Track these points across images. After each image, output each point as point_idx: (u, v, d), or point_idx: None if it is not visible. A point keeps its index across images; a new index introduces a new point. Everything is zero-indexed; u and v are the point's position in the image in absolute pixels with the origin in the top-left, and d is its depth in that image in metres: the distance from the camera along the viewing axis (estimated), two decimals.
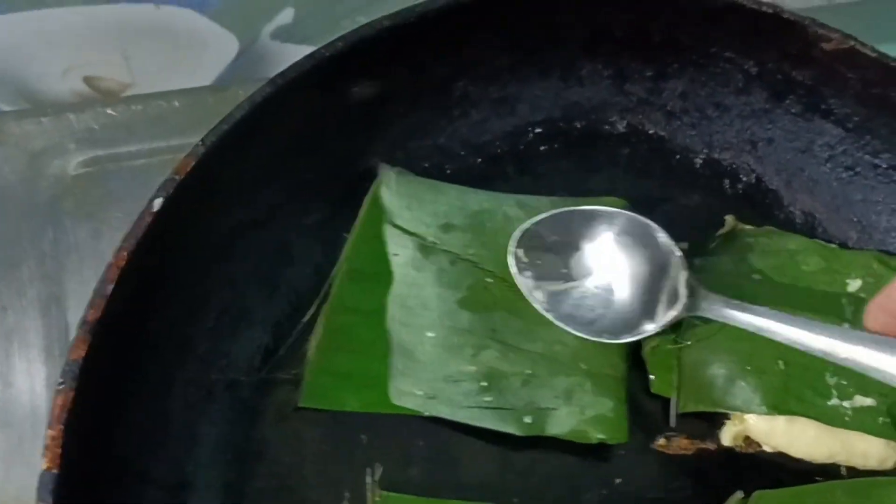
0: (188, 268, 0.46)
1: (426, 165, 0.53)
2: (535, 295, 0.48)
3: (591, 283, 0.48)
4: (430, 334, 0.48)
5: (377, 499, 0.44)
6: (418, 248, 0.49)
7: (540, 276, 0.48)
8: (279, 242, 0.50)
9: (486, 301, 0.49)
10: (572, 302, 0.48)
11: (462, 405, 0.47)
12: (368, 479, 0.46)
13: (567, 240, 0.49)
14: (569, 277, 0.48)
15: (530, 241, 0.48)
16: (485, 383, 0.47)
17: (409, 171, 0.52)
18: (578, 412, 0.47)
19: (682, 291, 0.46)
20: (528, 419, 0.46)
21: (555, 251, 0.48)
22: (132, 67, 0.66)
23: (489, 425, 0.46)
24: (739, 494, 0.45)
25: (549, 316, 0.48)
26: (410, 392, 0.47)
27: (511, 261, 0.48)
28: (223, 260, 0.47)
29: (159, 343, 0.45)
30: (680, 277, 0.47)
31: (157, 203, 0.42)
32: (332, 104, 0.49)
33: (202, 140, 0.44)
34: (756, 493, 0.45)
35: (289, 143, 0.48)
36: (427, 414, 0.46)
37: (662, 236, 0.48)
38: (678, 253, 0.47)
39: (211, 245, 0.47)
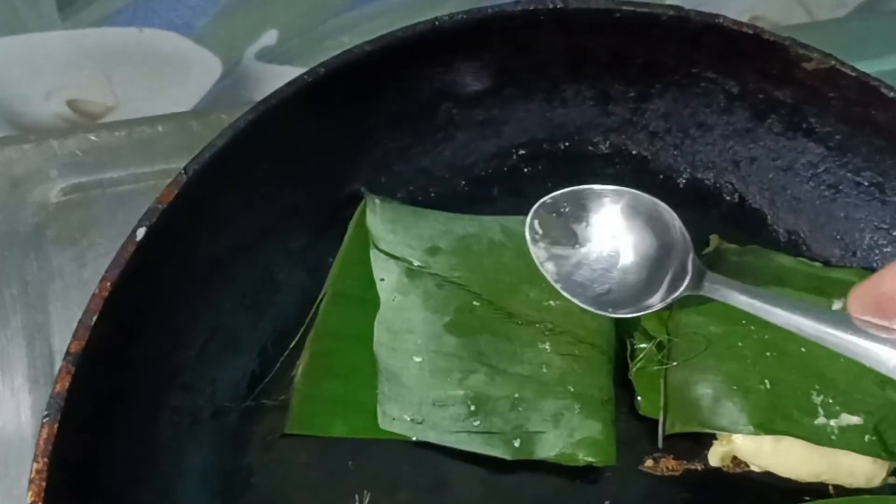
0: (173, 295, 0.46)
1: (411, 188, 0.54)
2: (547, 267, 0.49)
3: (600, 258, 0.49)
4: (417, 359, 0.48)
5: None
6: (404, 272, 0.49)
7: (552, 248, 0.49)
8: (264, 268, 0.49)
9: (473, 324, 0.49)
10: (581, 275, 0.49)
11: (450, 429, 0.46)
12: None
13: (580, 215, 0.50)
14: (579, 251, 0.49)
15: (546, 214, 0.49)
16: (473, 407, 0.47)
17: (392, 199, 0.52)
18: (566, 435, 0.47)
19: (689, 269, 0.47)
20: (516, 443, 0.46)
21: (568, 225, 0.50)
22: (116, 90, 0.66)
23: (478, 449, 0.46)
24: None
25: (557, 287, 0.49)
26: (398, 417, 0.46)
27: (527, 232, 0.49)
28: (208, 287, 0.47)
29: (144, 372, 0.44)
30: (687, 256, 0.48)
31: (141, 232, 0.42)
32: (314, 129, 0.49)
33: (184, 168, 0.44)
34: None
35: (272, 169, 0.48)
36: (415, 439, 0.46)
37: (672, 217, 0.48)
38: (686, 233, 0.48)
39: (195, 272, 0.47)
